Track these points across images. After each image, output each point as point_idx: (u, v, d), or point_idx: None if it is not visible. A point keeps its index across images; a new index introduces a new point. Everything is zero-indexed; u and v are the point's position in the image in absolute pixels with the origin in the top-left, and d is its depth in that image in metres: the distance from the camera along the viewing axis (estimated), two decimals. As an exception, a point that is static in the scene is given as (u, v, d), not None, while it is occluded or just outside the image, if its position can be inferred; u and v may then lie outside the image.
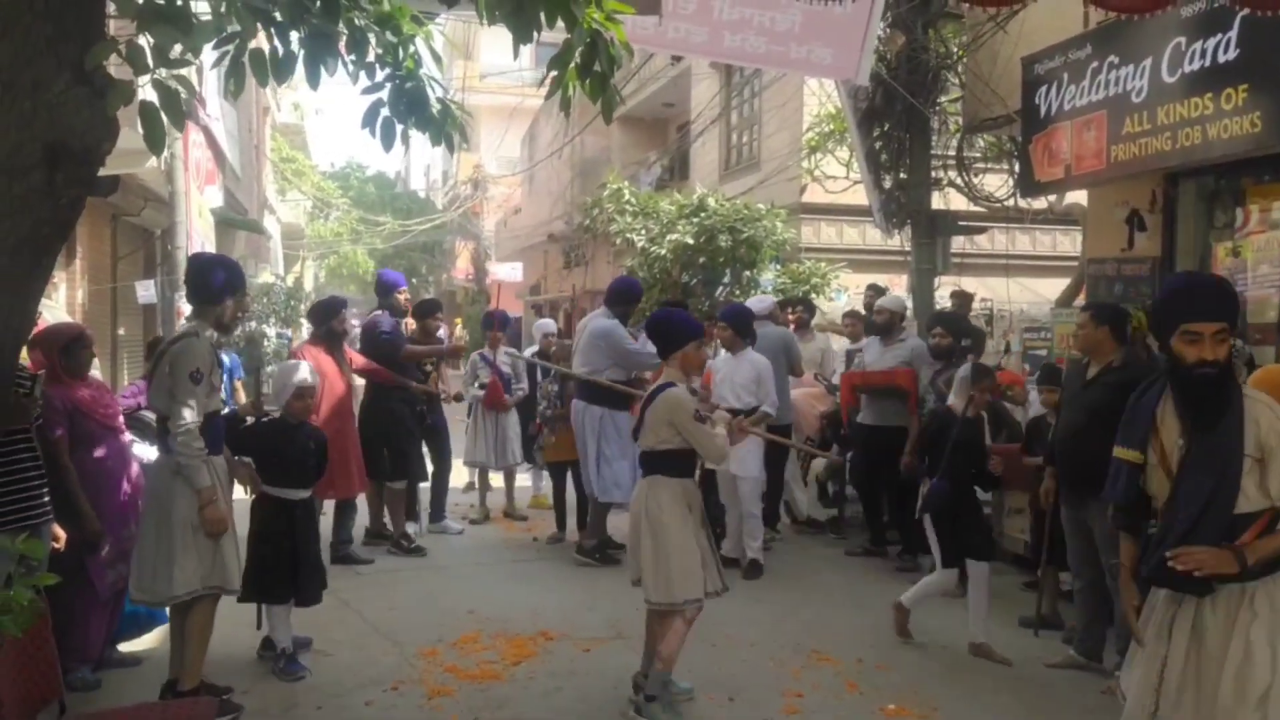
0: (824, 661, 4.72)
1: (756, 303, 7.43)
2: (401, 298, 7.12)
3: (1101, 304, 5.17)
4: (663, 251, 10.92)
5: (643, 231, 11.56)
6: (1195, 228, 6.43)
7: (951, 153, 8.87)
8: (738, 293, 10.75)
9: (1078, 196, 8.75)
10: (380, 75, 2.89)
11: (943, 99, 8.34)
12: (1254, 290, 6.16)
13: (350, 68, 2.80)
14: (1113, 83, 5.92)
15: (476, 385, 7.97)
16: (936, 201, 8.63)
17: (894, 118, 7.78)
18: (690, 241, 10.65)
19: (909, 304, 7.86)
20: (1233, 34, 5.08)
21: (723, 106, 14.60)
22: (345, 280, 37.61)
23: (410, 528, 6.94)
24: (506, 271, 23.73)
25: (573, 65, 2.64)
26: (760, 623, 5.28)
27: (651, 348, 6.47)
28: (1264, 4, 3.82)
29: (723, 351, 6.55)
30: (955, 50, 7.79)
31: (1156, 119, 5.65)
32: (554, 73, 2.71)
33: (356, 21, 2.69)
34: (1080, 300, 8.25)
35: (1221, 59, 5.19)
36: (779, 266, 11.54)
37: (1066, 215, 9.91)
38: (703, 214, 10.76)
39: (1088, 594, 4.85)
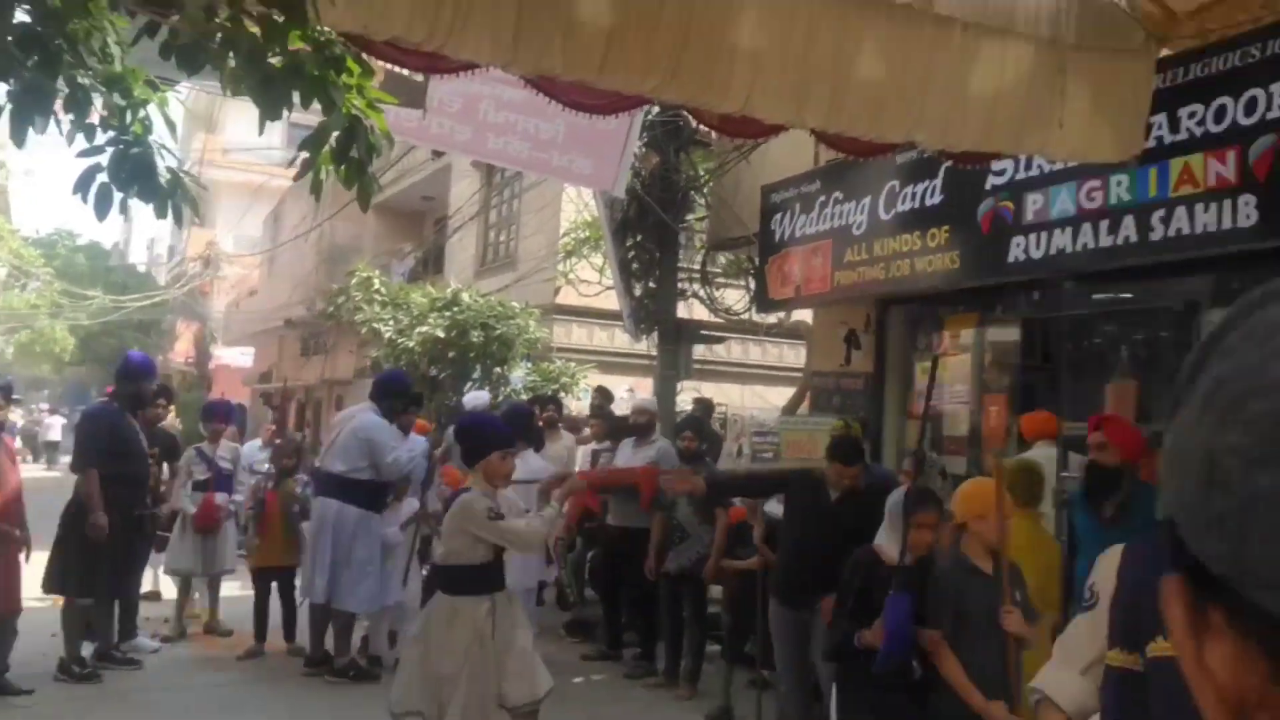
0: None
1: (471, 399, 7.39)
2: (146, 387, 6.36)
3: (846, 441, 5.28)
4: (411, 344, 10.58)
5: (391, 322, 11.18)
6: (902, 348, 7.19)
7: (697, 266, 9.40)
8: (486, 388, 10.62)
9: (805, 314, 9.55)
10: (102, 138, 2.56)
11: (690, 216, 8.87)
12: (948, 405, 6.93)
13: (65, 127, 2.46)
14: (837, 215, 6.56)
15: (190, 486, 7.13)
16: (681, 311, 9.07)
17: (646, 230, 8.15)
18: (441, 335, 10.42)
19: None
20: (938, 182, 5.81)
21: (482, 204, 14.68)
22: (38, 358, 33.24)
23: (86, 649, 5.98)
24: (235, 356, 22.01)
25: (327, 149, 2.47)
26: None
27: (405, 458, 6.22)
28: (964, 159, 4.38)
29: None
30: (702, 174, 8.35)
31: (873, 250, 6.30)
32: (305, 154, 2.52)
33: (80, 79, 2.37)
34: (805, 408, 8.88)
35: (928, 202, 5.91)
36: (530, 364, 11.55)
37: (794, 331, 10.76)
38: (456, 308, 10.59)
39: (793, 697, 5.09)
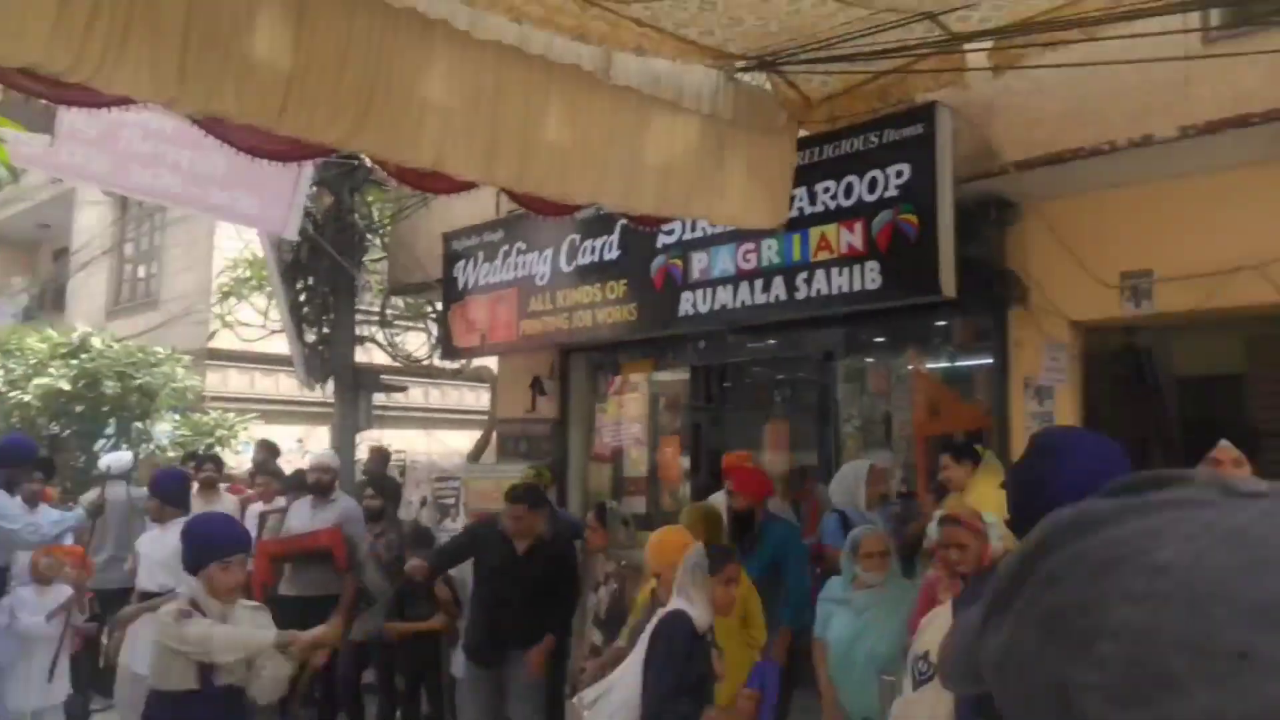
0: None
1: (110, 459, 6.55)
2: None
3: (529, 488, 5.39)
4: (27, 398, 9.07)
5: (0, 372, 9.51)
6: (585, 394, 7.42)
7: (376, 310, 9.03)
8: (125, 446, 9.36)
9: (489, 359, 9.54)
10: None
11: (368, 259, 8.51)
12: (628, 447, 7.26)
13: None
14: (521, 265, 6.65)
15: None
16: (360, 356, 8.65)
17: (319, 273, 7.69)
18: (66, 387, 9.03)
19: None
20: (614, 238, 6.09)
21: (116, 237, 12.99)
22: None
23: None
24: None
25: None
26: None
27: (44, 527, 5.23)
28: (640, 220, 4.64)
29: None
30: (379, 218, 8.06)
31: (556, 301, 6.45)
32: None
33: None
34: (491, 453, 8.85)
35: (606, 257, 6.18)
36: (179, 417, 10.38)
37: (477, 376, 10.70)
38: (85, 355, 9.26)
39: None
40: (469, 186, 3.80)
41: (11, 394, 9.18)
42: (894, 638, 3.78)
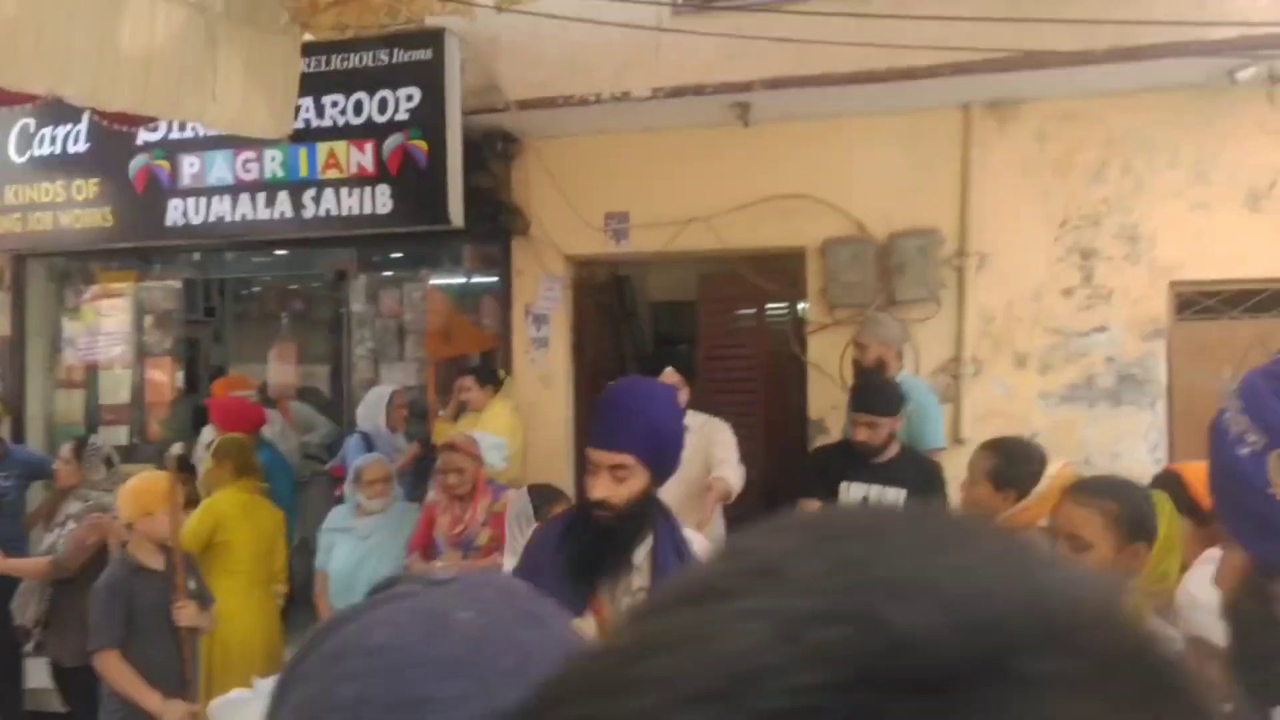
0: None
1: None
2: None
3: None
4: None
5: None
6: (47, 307, 6.35)
7: None
8: None
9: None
10: None
11: None
12: (104, 369, 6.38)
13: None
14: (-45, 150, 5.39)
15: None
16: None
17: None
18: None
19: None
20: (82, 128, 5.21)
21: None
22: None
23: None
24: None
25: None
26: None
27: None
28: (118, 119, 4.03)
29: None
30: None
31: (4, 198, 5.37)
32: None
33: None
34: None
35: (71, 150, 5.27)
36: None
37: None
38: None
39: None
40: None
41: None
42: (395, 560, 3.93)
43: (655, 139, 5.10)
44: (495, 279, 5.74)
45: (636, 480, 1.97)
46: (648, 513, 2.01)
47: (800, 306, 5.52)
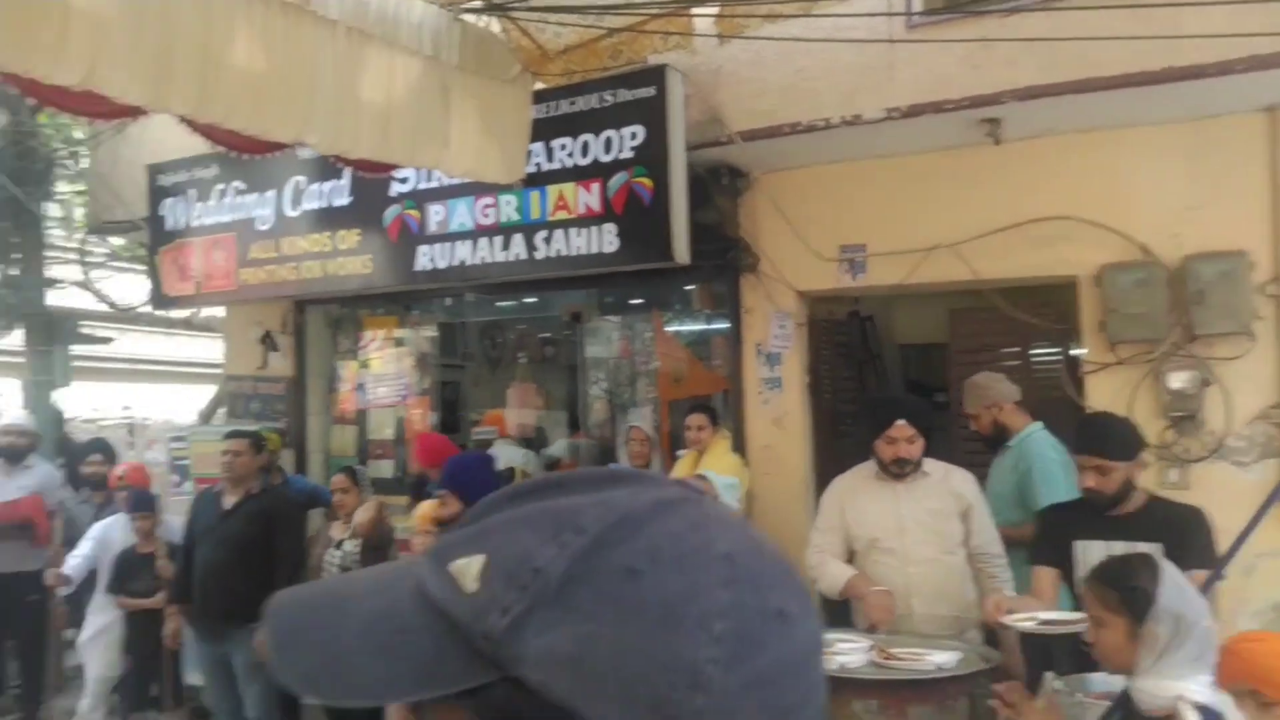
0: None
1: None
2: None
3: (251, 431, 5.21)
4: None
5: None
6: (323, 350, 6.95)
7: (76, 247, 7.98)
8: None
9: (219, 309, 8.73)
10: None
11: (66, 189, 7.47)
12: (374, 408, 6.87)
13: None
14: (240, 207, 6.05)
15: None
16: (60, 299, 7.62)
17: (-1, 206, 6.65)
18: None
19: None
20: (344, 183, 5.65)
21: None
22: None
23: None
24: None
25: None
26: None
27: None
28: (364, 166, 4.30)
29: None
30: (68, 141, 7.03)
31: (282, 249, 5.93)
32: None
33: None
34: (223, 415, 8.14)
35: (335, 203, 5.74)
36: None
37: (208, 326, 9.81)
38: None
39: None
40: (135, 112, 3.32)
41: None
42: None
43: (892, 164, 4.72)
44: (725, 317, 5.56)
45: None
46: None
47: (1071, 345, 4.87)
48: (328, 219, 5.76)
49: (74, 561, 5.28)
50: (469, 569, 0.54)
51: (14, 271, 6.97)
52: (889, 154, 4.68)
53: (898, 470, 3.41)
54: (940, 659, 2.85)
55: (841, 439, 6.14)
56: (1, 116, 6.36)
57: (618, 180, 4.76)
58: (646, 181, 4.69)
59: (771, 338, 5.23)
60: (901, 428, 3.37)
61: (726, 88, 4.55)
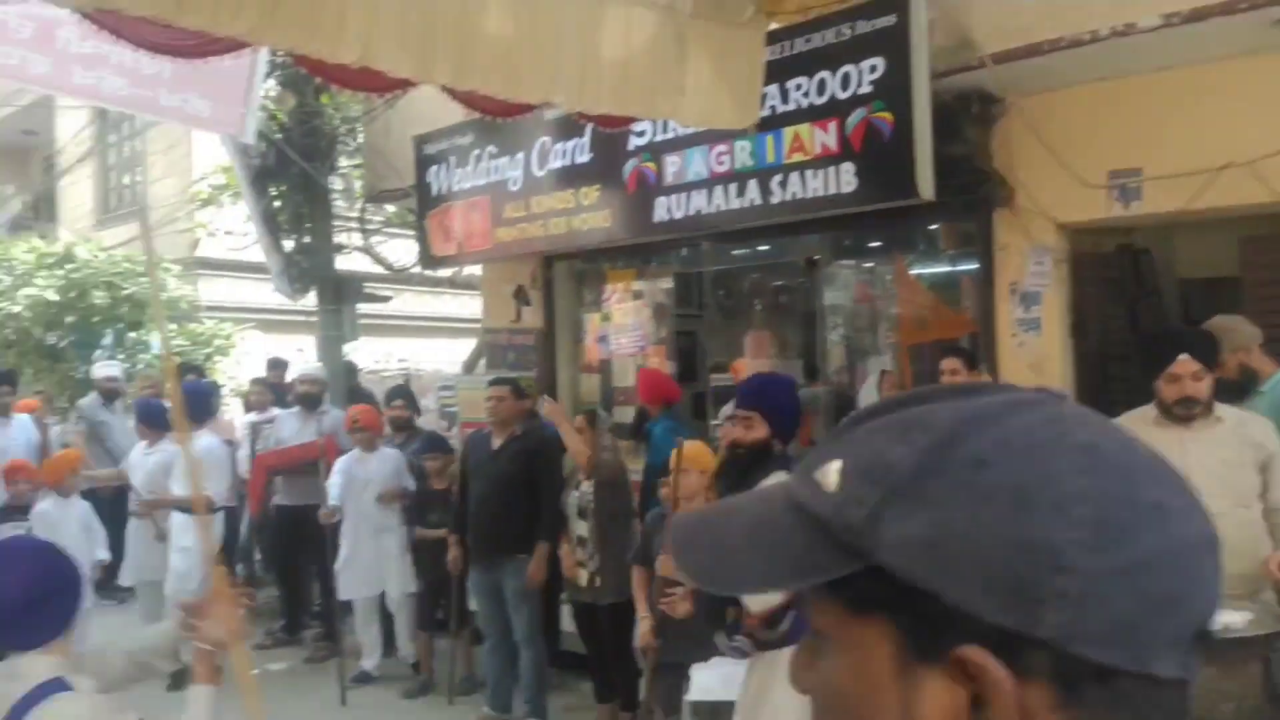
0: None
1: (100, 369, 6.88)
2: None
3: (512, 379, 5.61)
4: (17, 308, 9.05)
5: (-13, 283, 9.51)
6: (570, 303, 7.30)
7: (356, 217, 8.86)
8: (121, 356, 9.38)
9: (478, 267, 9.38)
10: None
11: (347, 163, 8.30)
12: (616, 357, 7.16)
13: None
14: (493, 170, 6.44)
15: None
16: (344, 264, 8.52)
17: (290, 180, 7.49)
18: (54, 298, 8.99)
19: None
20: (585, 140, 5.86)
21: (96, 142, 12.70)
22: None
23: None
24: None
25: None
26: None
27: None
28: (604, 121, 4.43)
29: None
30: (344, 122, 7.78)
31: (531, 207, 6.27)
32: None
33: None
34: (483, 365, 8.80)
35: (578, 160, 5.96)
36: (174, 327, 10.38)
37: (469, 284, 10.57)
38: (69, 265, 9.19)
39: (497, 651, 5.23)
40: (405, 85, 3.61)
41: (1, 305, 9.17)
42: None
43: (1171, 78, 4.20)
44: (973, 257, 5.24)
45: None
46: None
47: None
48: (571, 176, 6.00)
49: (335, 492, 5.88)
50: (829, 472, 0.59)
51: (307, 240, 7.87)
52: (1167, 66, 4.17)
53: (1183, 412, 3.08)
54: (1228, 619, 2.60)
55: (1109, 383, 5.64)
56: (290, 99, 7.15)
57: (856, 117, 4.59)
58: (887, 115, 4.48)
59: (1028, 276, 4.87)
60: (1185, 363, 3.05)
61: (977, 8, 4.23)
